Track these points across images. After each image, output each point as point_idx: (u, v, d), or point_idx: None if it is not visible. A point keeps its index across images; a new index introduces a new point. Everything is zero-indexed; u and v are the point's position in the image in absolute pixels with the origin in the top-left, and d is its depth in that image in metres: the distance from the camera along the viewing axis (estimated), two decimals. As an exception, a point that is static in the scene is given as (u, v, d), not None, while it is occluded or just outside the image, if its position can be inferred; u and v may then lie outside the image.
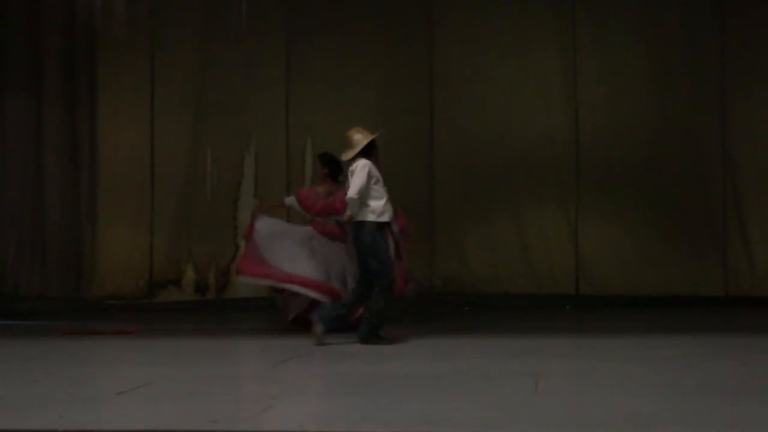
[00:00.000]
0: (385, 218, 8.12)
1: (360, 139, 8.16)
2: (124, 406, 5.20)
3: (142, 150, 12.73)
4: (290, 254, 9.04)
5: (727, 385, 5.73)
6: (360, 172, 8.03)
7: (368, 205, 8.06)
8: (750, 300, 11.83)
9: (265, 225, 9.34)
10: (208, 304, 12.27)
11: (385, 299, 8.11)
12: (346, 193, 8.15)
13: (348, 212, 8.11)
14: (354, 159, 8.17)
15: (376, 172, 8.10)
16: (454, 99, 12.55)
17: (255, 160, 12.63)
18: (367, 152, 8.15)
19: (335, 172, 9.34)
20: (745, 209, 12.18)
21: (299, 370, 6.90)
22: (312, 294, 8.88)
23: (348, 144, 8.21)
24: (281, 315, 9.46)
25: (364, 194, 8.02)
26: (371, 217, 8.07)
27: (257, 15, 12.79)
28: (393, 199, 8.27)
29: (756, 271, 12.11)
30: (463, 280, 12.42)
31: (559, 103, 12.49)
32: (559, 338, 8.76)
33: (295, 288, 8.90)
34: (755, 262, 12.11)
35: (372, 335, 8.13)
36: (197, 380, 6.33)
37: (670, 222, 12.27)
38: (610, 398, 5.27)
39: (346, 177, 8.27)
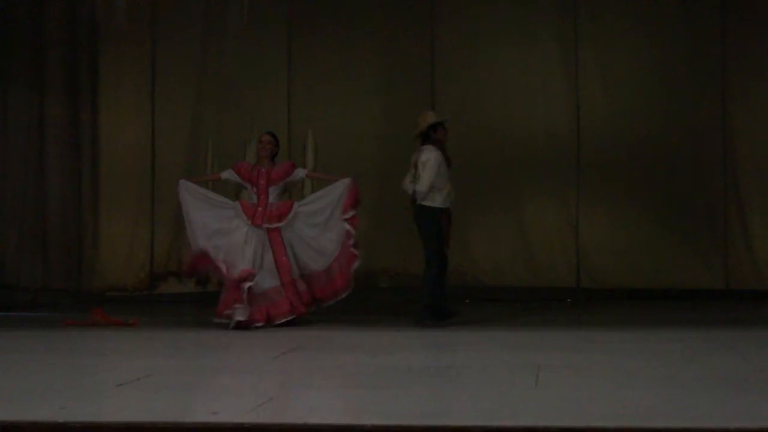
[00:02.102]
0: (447, 204, 8.91)
1: (427, 118, 9.03)
2: (125, 397, 5.20)
3: (144, 142, 12.75)
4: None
5: (728, 378, 5.74)
6: (431, 167, 8.76)
7: (434, 193, 8.85)
8: (751, 293, 11.83)
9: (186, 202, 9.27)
10: (209, 296, 12.25)
11: (433, 276, 8.79)
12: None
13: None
14: (419, 140, 9.00)
15: (443, 164, 8.85)
16: (455, 92, 12.53)
17: (256, 152, 12.62)
18: (433, 130, 8.96)
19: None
20: (746, 202, 12.17)
21: (300, 362, 6.91)
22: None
23: (418, 122, 9.08)
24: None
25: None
26: (435, 203, 8.85)
27: (259, 7, 12.78)
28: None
29: (757, 265, 12.10)
30: (464, 273, 12.40)
31: (560, 96, 12.47)
32: (559, 331, 8.77)
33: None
34: (756, 255, 12.11)
35: (424, 317, 8.73)
36: (198, 372, 6.34)
37: (671, 215, 12.26)
38: (611, 391, 5.28)
39: None
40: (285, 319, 8.87)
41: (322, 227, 9.13)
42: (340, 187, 9.18)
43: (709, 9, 12.31)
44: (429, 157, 8.85)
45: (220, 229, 9.12)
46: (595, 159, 12.36)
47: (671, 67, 12.36)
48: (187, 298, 12.17)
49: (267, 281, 8.94)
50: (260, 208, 9.09)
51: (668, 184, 12.27)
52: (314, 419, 4.49)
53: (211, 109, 12.73)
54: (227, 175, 9.49)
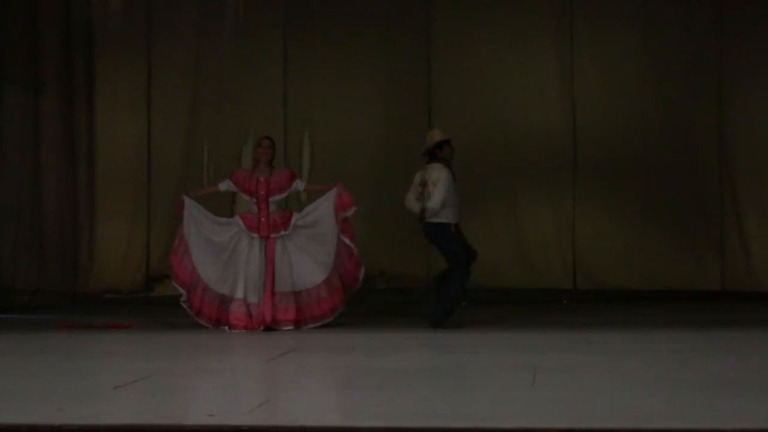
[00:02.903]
0: (457, 219, 9.04)
1: (434, 137, 9.08)
2: (122, 400, 5.20)
3: (140, 144, 12.74)
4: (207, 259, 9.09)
5: (725, 379, 5.74)
6: (443, 185, 8.82)
7: (445, 209, 8.92)
8: (747, 295, 11.84)
9: (190, 217, 9.20)
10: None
11: (461, 286, 8.96)
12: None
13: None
14: (425, 157, 9.06)
15: (452, 183, 8.93)
16: (451, 93, 12.53)
17: (255, 156, 12.60)
18: (439, 148, 9.00)
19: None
20: (742, 204, 12.18)
21: (297, 364, 6.90)
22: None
23: (425, 140, 9.15)
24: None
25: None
26: (447, 219, 8.94)
27: (255, 8, 12.77)
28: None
29: (752, 266, 12.11)
30: (462, 275, 12.40)
31: (556, 97, 12.49)
32: (556, 332, 8.76)
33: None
34: (752, 256, 12.12)
35: (442, 320, 8.81)
36: (194, 374, 6.33)
37: (667, 216, 12.28)
38: (608, 392, 5.28)
39: None
40: (263, 326, 8.84)
41: (319, 239, 9.08)
42: (331, 196, 9.11)
43: (705, 9, 12.32)
44: (440, 176, 8.92)
45: (221, 245, 9.08)
46: (591, 161, 12.37)
47: (667, 68, 12.37)
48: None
49: (253, 294, 8.91)
50: (263, 219, 9.04)
51: (664, 186, 12.29)
52: (310, 421, 4.49)
53: (207, 111, 12.73)
54: (225, 186, 9.40)
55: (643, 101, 12.42)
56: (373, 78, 12.68)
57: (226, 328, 8.86)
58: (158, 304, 12.08)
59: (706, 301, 11.73)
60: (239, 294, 8.89)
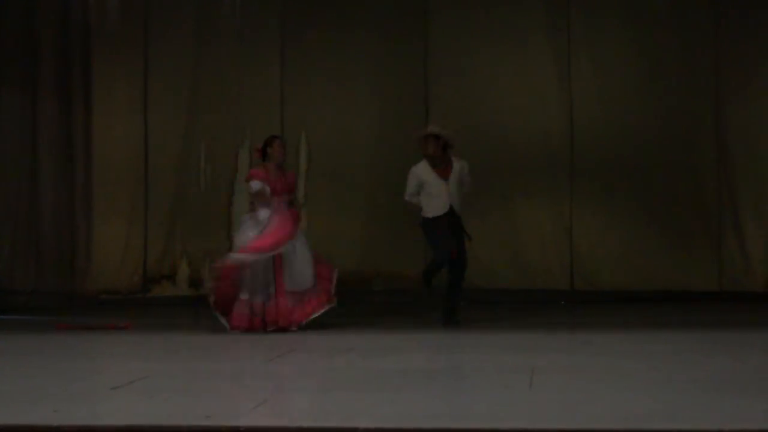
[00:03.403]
0: (431, 214, 9.11)
1: (420, 133, 9.27)
2: (119, 401, 5.19)
3: (137, 145, 12.73)
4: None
5: (722, 380, 5.74)
6: (408, 181, 9.15)
7: (423, 202, 9.15)
8: (744, 295, 11.84)
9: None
10: (203, 299, 12.21)
11: (430, 274, 9.19)
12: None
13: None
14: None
15: (424, 177, 9.10)
16: (448, 94, 12.53)
17: (249, 155, 12.60)
18: (423, 146, 9.14)
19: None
20: (739, 204, 12.19)
21: (294, 365, 6.90)
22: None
23: None
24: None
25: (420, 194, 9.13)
26: (425, 213, 9.15)
27: (252, 9, 12.77)
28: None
29: (750, 267, 12.12)
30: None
31: (554, 97, 12.48)
32: (553, 333, 8.76)
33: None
34: (749, 257, 12.12)
35: (447, 318, 9.07)
36: (192, 375, 6.32)
37: (665, 217, 12.28)
38: (605, 393, 5.27)
39: None
40: (274, 328, 8.81)
41: (308, 254, 9.03)
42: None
43: (702, 9, 12.33)
44: (409, 172, 9.23)
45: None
46: (588, 161, 12.37)
47: (665, 68, 12.37)
48: (181, 301, 12.15)
49: (261, 296, 8.87)
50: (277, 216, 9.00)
51: (662, 186, 12.29)
52: (308, 422, 4.49)
53: (204, 112, 12.72)
54: (258, 186, 8.98)
55: (640, 102, 12.42)
56: (370, 78, 12.68)
57: (227, 327, 8.83)
58: (156, 304, 12.09)
59: (703, 301, 11.72)
60: (244, 295, 8.86)
